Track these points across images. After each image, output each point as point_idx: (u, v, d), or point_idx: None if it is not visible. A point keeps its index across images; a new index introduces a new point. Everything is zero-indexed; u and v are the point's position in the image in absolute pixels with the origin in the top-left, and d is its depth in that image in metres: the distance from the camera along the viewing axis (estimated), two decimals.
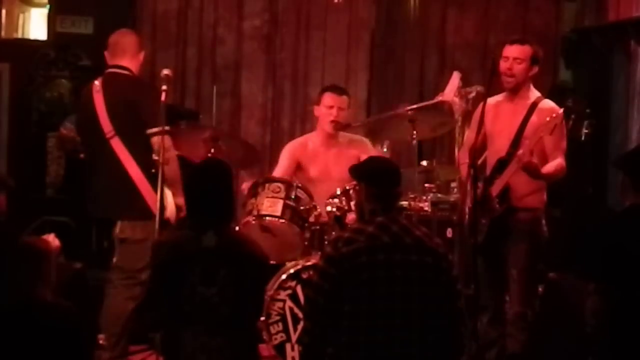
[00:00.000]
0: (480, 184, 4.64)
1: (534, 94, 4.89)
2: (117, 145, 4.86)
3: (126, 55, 5.01)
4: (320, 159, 5.50)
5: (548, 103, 4.86)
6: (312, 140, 5.59)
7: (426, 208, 5.79)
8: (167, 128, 4.78)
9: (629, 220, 3.94)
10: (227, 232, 3.80)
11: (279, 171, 5.47)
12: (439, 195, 6.09)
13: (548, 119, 4.51)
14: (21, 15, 7.48)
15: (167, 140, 4.82)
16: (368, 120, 7.07)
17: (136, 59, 5.05)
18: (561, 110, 4.68)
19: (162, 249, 3.78)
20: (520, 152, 4.55)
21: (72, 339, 3.54)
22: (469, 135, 5.10)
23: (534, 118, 4.75)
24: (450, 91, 5.80)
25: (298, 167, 5.50)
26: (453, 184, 6.06)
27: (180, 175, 4.89)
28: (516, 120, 4.79)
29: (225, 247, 3.71)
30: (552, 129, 4.49)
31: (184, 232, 3.78)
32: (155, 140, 4.78)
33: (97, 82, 4.99)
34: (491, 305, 4.87)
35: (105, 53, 5.07)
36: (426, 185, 6.15)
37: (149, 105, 4.80)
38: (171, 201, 4.88)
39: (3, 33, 7.33)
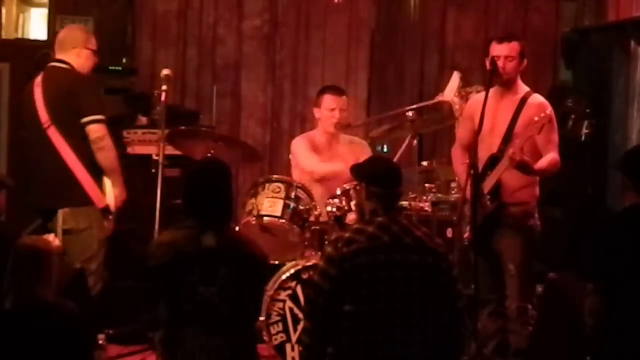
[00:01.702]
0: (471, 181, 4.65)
1: (523, 89, 4.90)
2: (54, 135, 4.96)
3: (68, 49, 5.11)
4: (324, 158, 5.52)
5: (537, 98, 4.87)
6: (317, 137, 5.62)
7: (426, 208, 5.78)
8: (102, 117, 4.96)
9: (629, 220, 3.94)
10: (227, 232, 3.80)
11: (308, 162, 5.48)
12: (439, 195, 6.08)
13: (536, 118, 4.53)
14: (21, 15, 7.47)
15: (101, 128, 4.96)
16: (368, 120, 7.08)
17: (81, 54, 5.13)
18: (549, 109, 4.69)
19: (161, 249, 3.78)
20: (511, 151, 4.56)
21: (74, 339, 3.54)
22: (461, 131, 5.12)
23: (523, 114, 4.77)
24: (450, 91, 5.80)
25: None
26: (453, 184, 6.05)
27: (118, 164, 5.04)
28: (506, 117, 4.81)
29: (224, 246, 3.71)
30: (540, 128, 4.51)
31: (184, 231, 3.77)
32: (90, 129, 4.92)
33: (38, 77, 5.12)
34: (492, 300, 4.89)
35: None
36: (426, 185, 6.15)
37: (84, 95, 4.98)
38: (110, 189, 5.00)
39: (3, 33, 7.31)
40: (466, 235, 4.75)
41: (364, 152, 5.53)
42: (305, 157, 5.53)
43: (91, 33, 5.36)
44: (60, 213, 4.97)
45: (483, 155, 4.79)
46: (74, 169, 4.94)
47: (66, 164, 4.94)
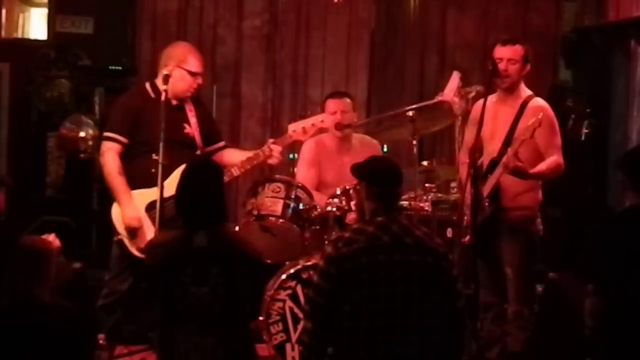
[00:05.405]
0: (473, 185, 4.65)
1: (526, 92, 4.90)
2: None
3: None
4: (336, 163, 5.51)
5: (537, 102, 4.87)
6: (327, 141, 5.60)
7: (426, 208, 5.78)
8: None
9: (629, 220, 3.94)
10: (219, 231, 3.79)
11: (303, 177, 5.44)
12: (440, 195, 6.08)
13: (531, 122, 4.51)
14: (21, 15, 7.48)
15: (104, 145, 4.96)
16: (368, 120, 7.08)
17: None
18: (544, 113, 4.66)
19: (154, 249, 3.78)
20: (504, 159, 4.56)
21: (72, 339, 3.54)
22: (468, 135, 5.12)
23: (524, 118, 4.76)
24: (450, 91, 5.79)
25: (319, 167, 5.50)
26: (453, 184, 6.05)
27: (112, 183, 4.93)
28: (507, 121, 4.81)
29: (216, 246, 3.72)
30: (532, 131, 4.48)
31: (176, 232, 3.78)
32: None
33: None
34: (495, 303, 4.88)
35: None
36: (426, 185, 6.14)
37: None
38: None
39: (3, 33, 7.33)
40: (466, 238, 4.74)
41: (376, 150, 5.56)
42: (302, 174, 5.53)
43: None
44: None
45: (486, 159, 4.80)
46: None
47: None
